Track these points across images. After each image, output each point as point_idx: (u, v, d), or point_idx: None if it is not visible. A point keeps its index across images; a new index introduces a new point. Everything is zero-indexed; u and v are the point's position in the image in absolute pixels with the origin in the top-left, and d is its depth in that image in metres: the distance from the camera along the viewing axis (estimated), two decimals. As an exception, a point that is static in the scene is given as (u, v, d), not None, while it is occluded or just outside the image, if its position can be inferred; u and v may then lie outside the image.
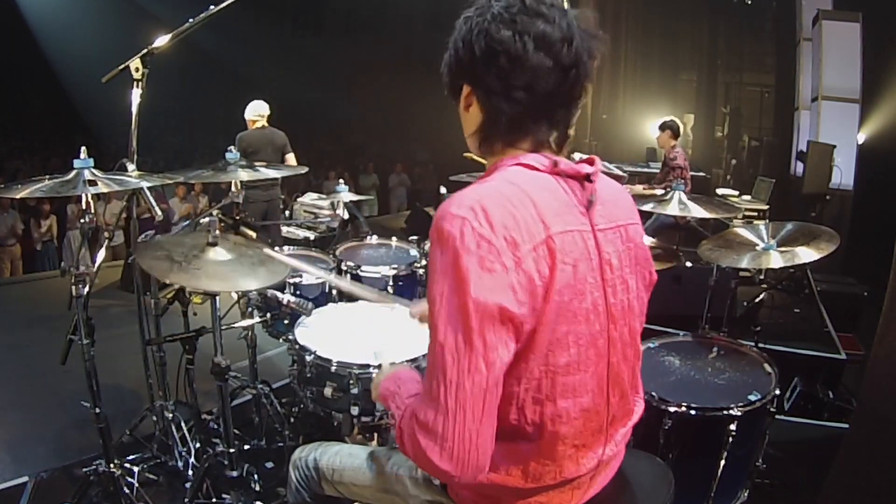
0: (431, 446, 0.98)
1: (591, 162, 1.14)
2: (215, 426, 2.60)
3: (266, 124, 5.09)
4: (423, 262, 2.96)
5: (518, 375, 1.04)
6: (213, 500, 2.18)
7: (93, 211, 2.06)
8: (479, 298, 0.94)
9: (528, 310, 0.99)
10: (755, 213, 6.11)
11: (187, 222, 2.55)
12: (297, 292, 2.66)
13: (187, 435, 2.48)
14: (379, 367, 1.79)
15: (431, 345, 1.01)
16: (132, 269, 2.45)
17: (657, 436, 1.87)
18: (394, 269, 2.82)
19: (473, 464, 0.98)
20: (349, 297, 2.80)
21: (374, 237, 3.34)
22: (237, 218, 2.70)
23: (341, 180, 3.85)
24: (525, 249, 0.98)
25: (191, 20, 2.16)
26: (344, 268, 2.88)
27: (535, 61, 1.01)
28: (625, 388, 1.18)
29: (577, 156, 1.19)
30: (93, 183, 1.89)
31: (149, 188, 2.06)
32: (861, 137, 6.80)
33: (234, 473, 2.16)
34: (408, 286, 2.87)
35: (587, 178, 1.10)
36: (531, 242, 0.99)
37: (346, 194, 3.54)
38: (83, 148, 1.96)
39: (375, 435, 2.00)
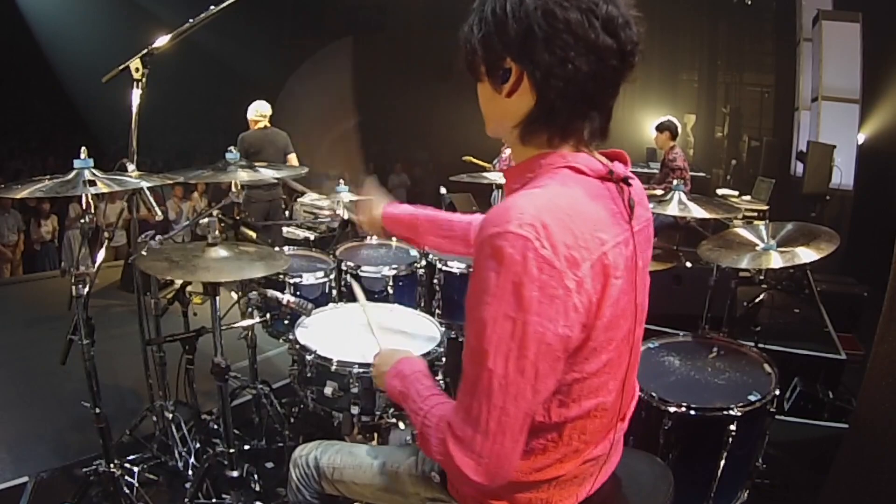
0: (467, 462, 0.97)
1: (623, 160, 1.10)
2: (215, 426, 2.60)
3: (268, 124, 5.11)
4: (423, 262, 2.96)
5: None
6: (213, 500, 2.18)
7: (93, 211, 2.06)
8: (540, 329, 0.91)
9: (581, 328, 0.97)
10: (755, 214, 6.09)
11: (186, 222, 2.55)
12: (297, 292, 2.66)
13: (187, 435, 2.48)
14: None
15: (476, 366, 0.96)
16: (132, 269, 2.45)
17: (657, 436, 1.87)
18: (394, 269, 2.82)
19: (504, 475, 0.98)
20: (349, 298, 2.80)
21: (375, 237, 3.34)
22: (237, 218, 2.70)
23: (341, 180, 3.85)
24: (585, 268, 0.94)
25: (191, 20, 2.15)
26: (344, 268, 2.88)
27: (602, 44, 0.95)
28: (630, 385, 1.19)
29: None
30: (93, 183, 1.89)
31: (148, 188, 2.06)
32: (861, 137, 6.81)
33: (234, 473, 2.15)
34: (408, 286, 2.87)
35: (625, 181, 1.07)
36: (589, 260, 0.95)
37: (346, 194, 3.54)
38: (83, 148, 1.96)
39: (375, 434, 2.00)
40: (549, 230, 0.91)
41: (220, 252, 2.00)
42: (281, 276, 2.60)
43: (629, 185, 1.07)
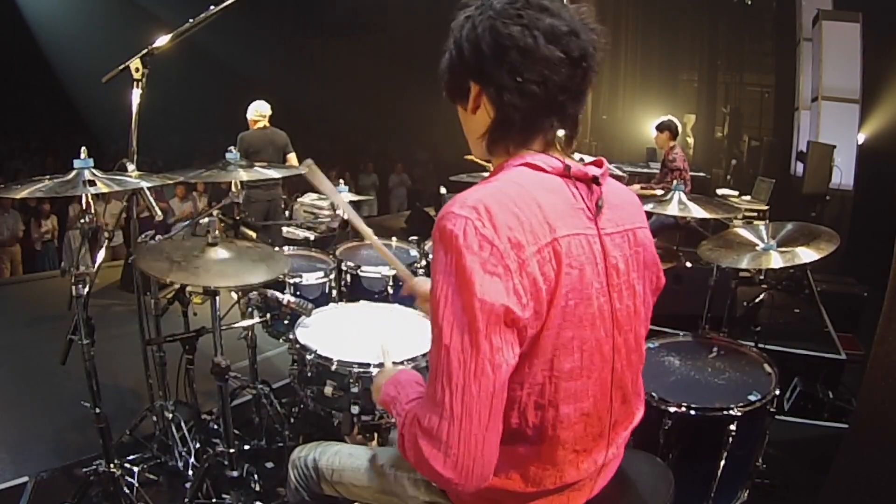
0: (435, 454, 0.95)
1: (598, 164, 1.12)
2: (215, 426, 2.60)
3: (268, 124, 5.12)
4: (424, 263, 2.96)
5: (521, 380, 1.02)
6: (213, 500, 2.18)
7: (93, 211, 2.06)
8: (486, 299, 0.92)
9: (532, 313, 0.97)
10: (755, 214, 6.10)
11: (187, 223, 2.55)
12: (297, 292, 2.67)
13: (187, 435, 2.47)
14: (380, 366, 1.79)
15: (435, 347, 0.97)
16: (132, 269, 2.45)
17: (657, 436, 1.87)
18: (394, 269, 2.82)
19: (478, 472, 0.95)
20: (349, 298, 2.81)
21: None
22: (237, 218, 2.70)
23: (341, 180, 3.86)
24: (529, 252, 0.96)
25: (191, 20, 2.16)
26: (344, 268, 2.88)
27: (547, 53, 1.00)
28: (627, 392, 1.18)
29: (580, 157, 1.17)
30: (92, 183, 1.89)
31: (148, 188, 2.06)
32: (861, 137, 6.80)
33: (234, 473, 2.16)
34: (408, 286, 2.87)
35: (595, 180, 1.09)
36: (536, 245, 0.97)
37: (346, 194, 3.54)
38: (83, 148, 1.96)
39: (375, 434, 2.00)
40: (491, 212, 0.96)
41: (221, 252, 2.00)
42: (281, 276, 2.60)
43: (598, 184, 1.09)
